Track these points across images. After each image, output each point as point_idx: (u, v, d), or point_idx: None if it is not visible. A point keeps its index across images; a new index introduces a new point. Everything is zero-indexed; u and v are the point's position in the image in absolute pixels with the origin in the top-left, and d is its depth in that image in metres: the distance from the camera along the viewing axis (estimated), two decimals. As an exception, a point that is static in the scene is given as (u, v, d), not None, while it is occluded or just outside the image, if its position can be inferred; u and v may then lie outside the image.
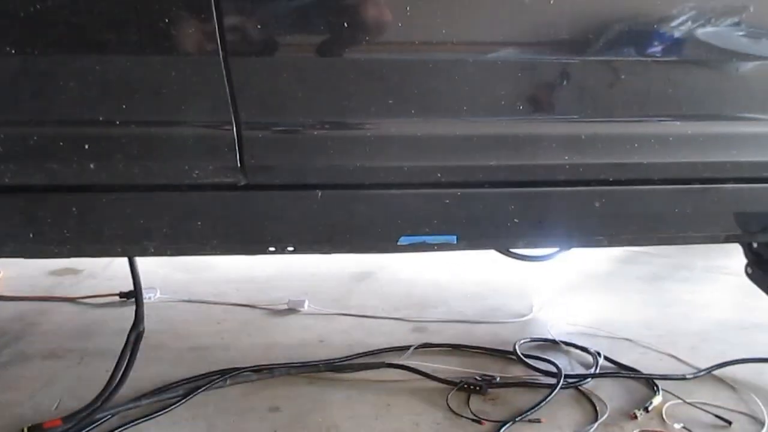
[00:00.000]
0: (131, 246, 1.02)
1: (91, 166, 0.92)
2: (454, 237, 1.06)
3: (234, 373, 1.59)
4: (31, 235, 0.97)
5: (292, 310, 2.02)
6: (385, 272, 2.41)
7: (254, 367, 1.62)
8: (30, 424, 1.36)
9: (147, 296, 2.07)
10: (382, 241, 1.05)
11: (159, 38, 0.88)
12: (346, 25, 0.90)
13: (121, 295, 2.07)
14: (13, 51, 0.86)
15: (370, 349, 1.74)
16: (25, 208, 0.96)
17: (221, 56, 0.89)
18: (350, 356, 1.70)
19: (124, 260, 2.51)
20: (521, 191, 1.05)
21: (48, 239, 0.98)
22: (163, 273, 2.35)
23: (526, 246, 1.17)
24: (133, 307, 2.02)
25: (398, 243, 1.05)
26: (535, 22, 0.94)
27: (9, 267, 2.37)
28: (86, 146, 0.92)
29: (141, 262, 2.46)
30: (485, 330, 1.91)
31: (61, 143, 0.92)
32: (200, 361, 1.68)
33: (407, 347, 1.74)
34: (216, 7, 0.86)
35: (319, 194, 0.99)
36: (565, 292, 2.22)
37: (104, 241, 0.99)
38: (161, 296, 2.10)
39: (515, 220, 1.06)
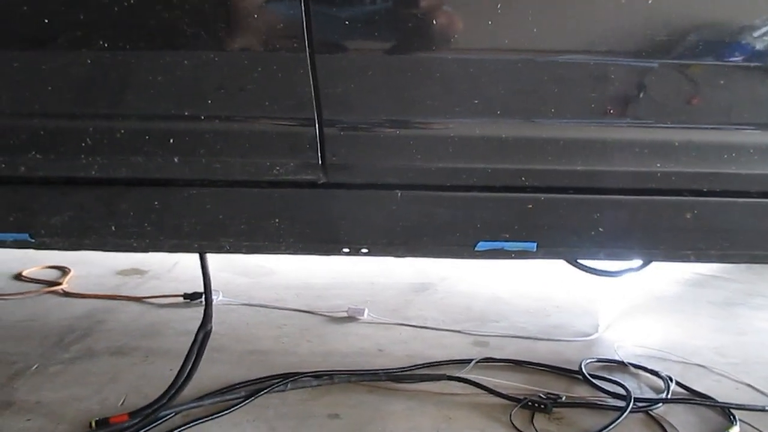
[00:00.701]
0: (208, 242, 1.02)
1: (175, 160, 0.93)
2: (534, 244, 1.03)
3: (294, 378, 1.58)
4: (112, 228, 0.99)
5: (351, 318, 2.01)
6: (444, 284, 2.37)
7: (314, 372, 1.61)
8: (97, 418, 1.37)
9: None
10: (459, 246, 1.02)
11: (246, 34, 0.88)
12: (434, 23, 0.88)
13: (185, 296, 2.10)
14: (106, 45, 0.88)
15: (429, 361, 1.71)
16: (109, 201, 0.98)
17: (307, 53, 0.88)
18: (410, 367, 1.67)
19: (187, 263, 2.56)
20: (608, 199, 1.01)
21: (128, 233, 0.99)
22: (224, 277, 2.38)
23: (607, 257, 1.13)
24: (197, 309, 2.07)
25: (475, 249, 1.03)
26: (629, 23, 0.91)
27: (78, 266, 2.44)
28: (171, 140, 0.93)
29: (198, 266, 2.50)
30: (548, 347, 1.85)
31: (147, 137, 0.93)
32: (260, 364, 1.68)
33: (468, 361, 1.70)
34: (304, 4, 0.86)
35: (399, 194, 0.98)
36: (633, 312, 2.14)
37: (182, 236, 1.00)
38: (223, 299, 2.12)
39: (600, 229, 1.01)
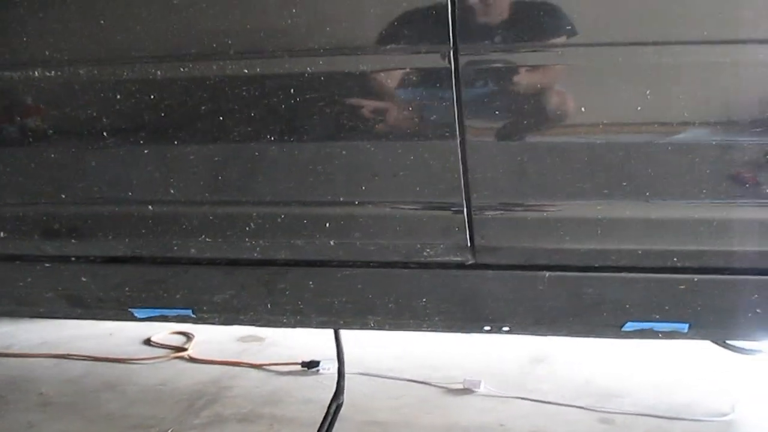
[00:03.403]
0: (355, 319, 1.07)
1: (331, 243, 0.99)
2: (686, 325, 1.00)
3: (419, 453, 1.57)
4: (268, 306, 1.05)
5: (467, 390, 1.98)
6: (560, 356, 2.30)
7: (438, 448, 1.60)
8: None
9: (326, 367, 2.14)
10: (606, 326, 1.01)
11: (401, 125, 0.94)
12: (582, 110, 0.91)
13: (303, 364, 2.15)
14: (272, 138, 0.97)
15: (554, 439, 1.65)
16: (268, 281, 1.04)
17: (458, 141, 0.93)
18: (535, 445, 1.63)
19: (302, 330, 2.61)
20: (768, 280, 0.97)
21: (283, 310, 1.05)
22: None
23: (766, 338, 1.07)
24: (315, 377, 2.12)
25: (622, 329, 1.01)
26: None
27: (200, 332, 2.56)
28: (327, 224, 0.99)
29: (314, 334, 2.55)
30: (682, 428, 1.74)
31: (305, 221, 0.99)
32: (382, 436, 1.69)
33: (596, 440, 1.64)
34: (457, 96, 0.91)
35: (546, 276, 0.99)
36: (769, 391, 1.99)
37: (332, 314, 1.05)
38: (338, 368, 2.16)
39: (757, 310, 0.98)
